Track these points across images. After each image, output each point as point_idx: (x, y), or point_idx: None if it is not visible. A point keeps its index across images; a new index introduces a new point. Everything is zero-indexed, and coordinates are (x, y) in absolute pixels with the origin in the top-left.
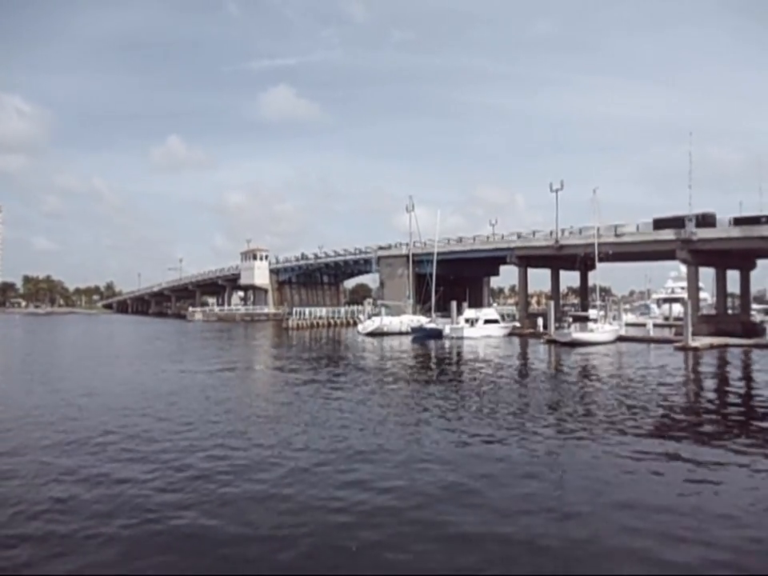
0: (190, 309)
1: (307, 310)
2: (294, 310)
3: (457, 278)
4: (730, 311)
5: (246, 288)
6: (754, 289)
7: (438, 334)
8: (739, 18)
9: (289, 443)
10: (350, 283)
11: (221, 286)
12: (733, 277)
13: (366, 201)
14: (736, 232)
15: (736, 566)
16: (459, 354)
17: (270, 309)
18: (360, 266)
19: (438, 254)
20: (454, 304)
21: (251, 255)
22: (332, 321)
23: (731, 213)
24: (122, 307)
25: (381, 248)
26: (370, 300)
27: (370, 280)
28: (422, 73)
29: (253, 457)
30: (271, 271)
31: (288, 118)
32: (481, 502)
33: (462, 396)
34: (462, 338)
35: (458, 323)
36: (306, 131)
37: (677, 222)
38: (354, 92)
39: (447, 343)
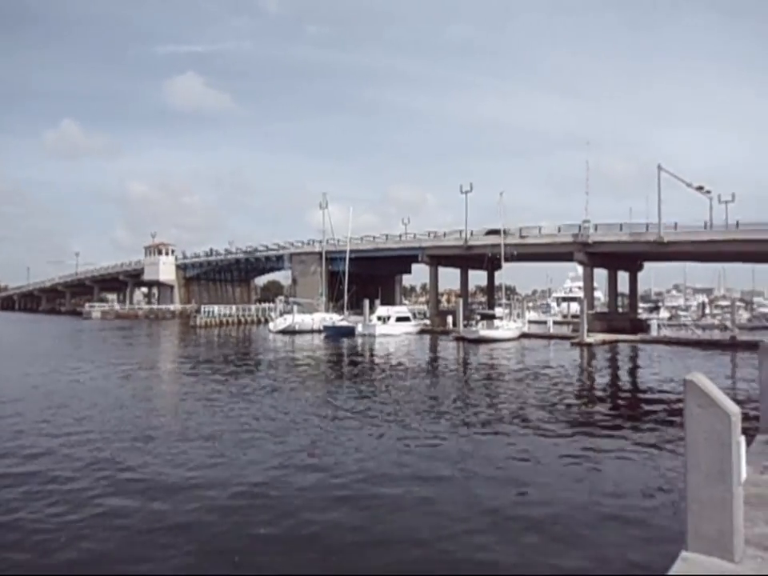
0: (87, 306)
1: (216, 307)
2: (202, 307)
3: (369, 276)
4: (620, 309)
5: (150, 284)
6: (641, 289)
7: (350, 332)
8: (632, 34)
9: (193, 449)
10: (261, 280)
11: (122, 281)
12: (623, 278)
13: (280, 196)
14: (626, 237)
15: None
16: (371, 351)
17: (176, 306)
18: (272, 262)
19: (351, 251)
20: (366, 302)
21: (156, 250)
22: (242, 318)
23: (623, 218)
24: (8, 304)
25: (294, 245)
26: (282, 297)
27: (283, 277)
28: (337, 69)
29: (149, 472)
30: (178, 267)
31: (197, 108)
32: (392, 496)
33: (374, 392)
34: (374, 335)
35: (370, 321)
36: (217, 122)
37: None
38: (267, 85)
39: (359, 341)
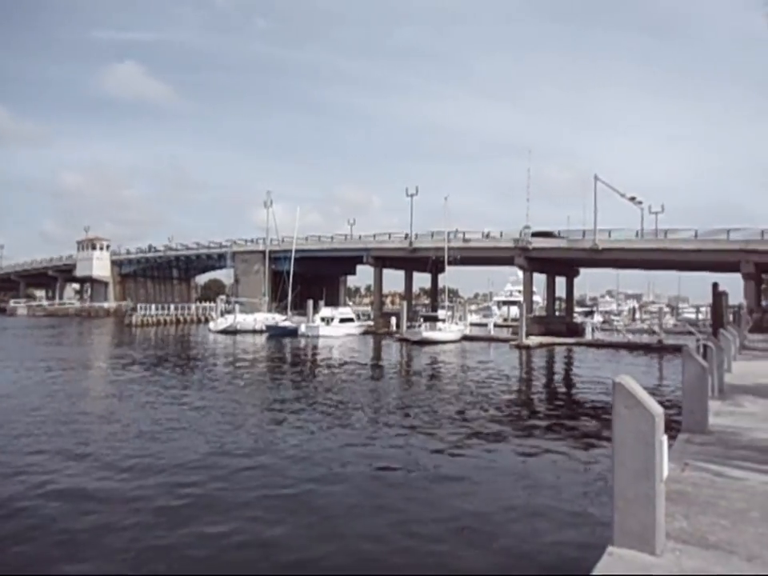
0: (12, 302)
1: (153, 305)
2: (139, 305)
3: (314, 276)
4: (557, 313)
5: (82, 280)
6: (577, 294)
7: (293, 332)
8: (571, 47)
9: (123, 455)
10: (202, 279)
11: (51, 277)
12: (561, 283)
13: (223, 193)
14: (564, 243)
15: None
16: (314, 352)
17: (110, 304)
18: (214, 260)
19: (296, 251)
20: (310, 302)
21: (90, 244)
22: (181, 318)
23: (561, 226)
24: None
25: (237, 243)
26: (224, 297)
27: (225, 276)
28: (284, 66)
29: (74, 476)
30: (113, 263)
31: (137, 99)
32: (332, 494)
33: (316, 394)
34: (317, 336)
35: (313, 322)
36: (158, 115)
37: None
38: (213, 78)
39: (302, 341)
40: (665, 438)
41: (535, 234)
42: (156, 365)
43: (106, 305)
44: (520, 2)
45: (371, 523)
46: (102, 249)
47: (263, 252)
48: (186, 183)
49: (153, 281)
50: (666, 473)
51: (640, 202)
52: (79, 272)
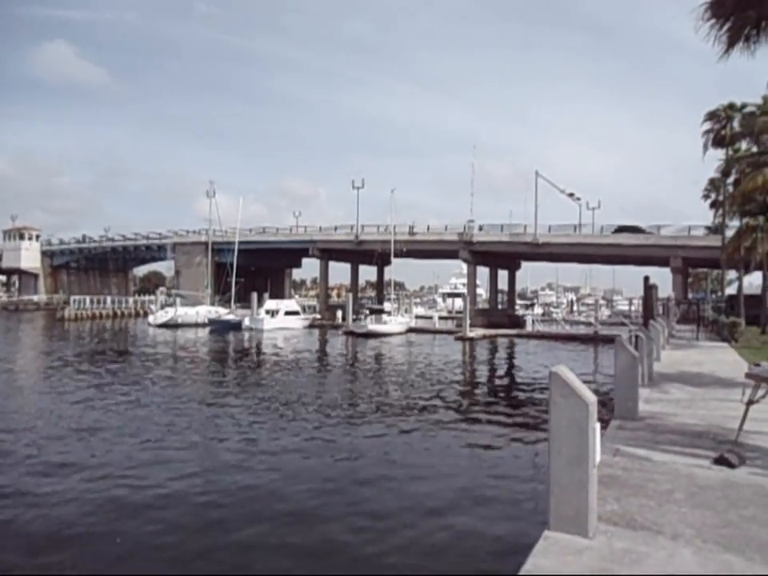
0: None
1: (88, 298)
2: (72, 298)
3: (258, 268)
4: (500, 306)
5: (9, 272)
6: (518, 287)
7: (236, 326)
8: (514, 46)
9: (50, 455)
10: (141, 270)
11: None
12: (503, 276)
13: (163, 182)
14: (506, 237)
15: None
16: (259, 345)
17: (40, 297)
18: (153, 252)
19: (240, 243)
20: (254, 295)
21: (17, 234)
22: (119, 311)
23: (504, 220)
24: None
25: (178, 234)
26: (164, 289)
27: (165, 268)
28: (229, 53)
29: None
30: (44, 254)
31: (69, 81)
32: (285, 487)
33: (260, 388)
34: (261, 329)
35: (258, 315)
36: (92, 98)
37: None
38: (151, 62)
39: (246, 335)
40: (598, 425)
41: (620, 229)
42: (90, 361)
43: (35, 298)
44: (467, 1)
45: (321, 504)
46: (30, 239)
47: (206, 243)
48: (123, 171)
49: (87, 273)
50: (598, 458)
51: (578, 198)
52: (5, 263)
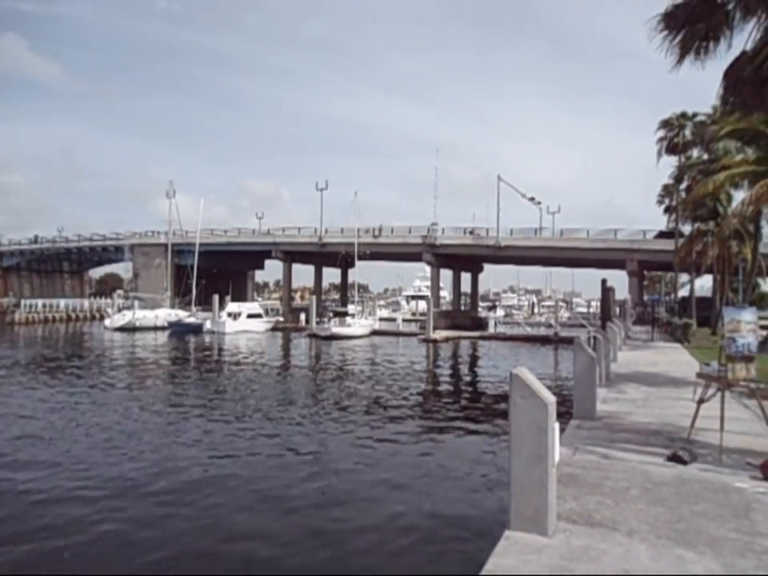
0: None
1: (40, 301)
2: (23, 301)
3: (220, 270)
4: (463, 308)
5: None
6: (481, 289)
7: (197, 329)
8: (478, 52)
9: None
10: (97, 272)
11: None
12: (466, 278)
13: (121, 182)
14: (469, 240)
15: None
16: (220, 349)
17: None
18: (110, 253)
19: (201, 244)
20: (216, 298)
21: None
22: (73, 314)
23: (467, 223)
24: None
25: (136, 235)
26: (121, 292)
27: (123, 270)
28: (190, 50)
29: None
30: None
31: (18, 76)
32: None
33: (222, 392)
34: (223, 332)
35: (219, 317)
36: (44, 94)
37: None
38: (107, 58)
39: (208, 338)
40: (557, 425)
41: (659, 236)
42: (40, 366)
43: None
44: (431, 4)
45: (286, 505)
46: None
47: (165, 245)
48: (78, 170)
49: (40, 275)
50: (557, 458)
51: (539, 203)
52: None
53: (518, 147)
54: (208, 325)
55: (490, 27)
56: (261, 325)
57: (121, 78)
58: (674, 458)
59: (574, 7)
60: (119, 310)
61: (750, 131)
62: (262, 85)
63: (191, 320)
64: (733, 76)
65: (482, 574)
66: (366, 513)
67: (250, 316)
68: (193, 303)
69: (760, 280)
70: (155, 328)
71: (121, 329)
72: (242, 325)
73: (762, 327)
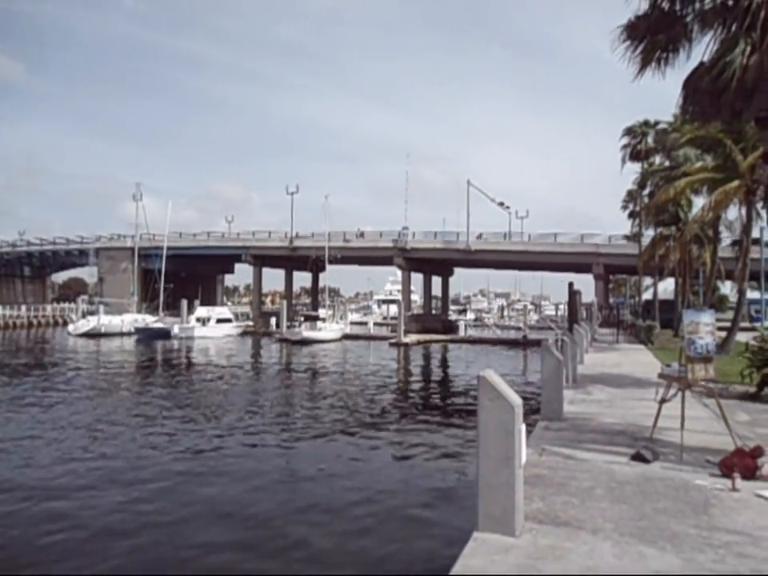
0: None
1: None
2: None
3: (189, 275)
4: (434, 311)
5: None
6: (451, 293)
7: (165, 334)
8: (447, 58)
9: None
10: (60, 277)
11: None
12: (437, 282)
13: (87, 184)
14: (439, 244)
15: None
16: (189, 354)
17: None
18: (74, 257)
19: (169, 248)
20: (184, 302)
21: None
22: (35, 320)
23: (437, 227)
24: None
25: (101, 238)
26: (86, 297)
27: (87, 274)
28: (158, 51)
29: None
30: None
31: None
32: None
33: (189, 398)
34: (192, 337)
35: (188, 322)
36: (8, 94)
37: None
38: (72, 59)
39: (176, 343)
40: (523, 426)
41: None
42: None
43: None
44: (398, 9)
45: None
46: None
47: (132, 249)
48: (41, 172)
49: (0, 279)
50: (524, 459)
51: (508, 207)
52: None
53: (487, 152)
54: (176, 330)
55: (458, 32)
56: (231, 329)
57: (86, 79)
58: (638, 458)
59: (541, 14)
60: (83, 316)
61: (709, 139)
62: (231, 88)
63: (159, 325)
64: (691, 86)
65: (451, 574)
66: (334, 518)
67: (219, 321)
68: (160, 308)
69: (719, 283)
70: (121, 334)
71: (85, 335)
72: (211, 330)
73: (721, 329)
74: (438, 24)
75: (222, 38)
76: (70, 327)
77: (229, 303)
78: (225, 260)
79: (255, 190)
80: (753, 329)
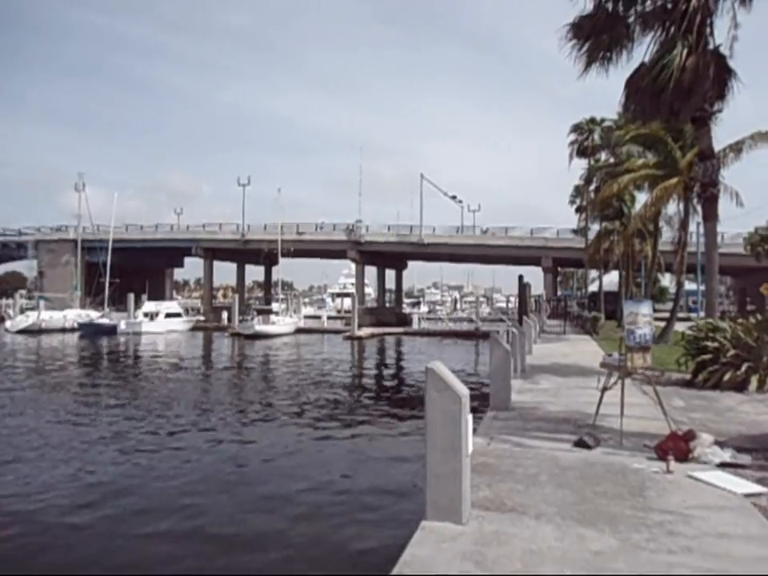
0: None
1: None
2: None
3: (136, 268)
4: (388, 304)
5: None
6: (405, 286)
7: (111, 330)
8: (401, 52)
9: None
10: None
11: None
12: (391, 275)
13: (24, 173)
14: (393, 237)
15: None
16: (136, 351)
17: None
18: (11, 250)
19: (115, 241)
20: (131, 297)
21: None
22: None
23: (391, 221)
24: None
25: (41, 231)
26: (24, 292)
27: (26, 268)
28: (99, 35)
29: None
30: None
31: None
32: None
33: (136, 396)
34: (139, 333)
35: (135, 317)
36: None
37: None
38: (10, 39)
39: (122, 339)
40: (470, 416)
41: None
42: None
43: None
44: (355, 2)
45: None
46: None
47: (74, 241)
48: None
49: None
50: (471, 448)
51: (460, 201)
52: None
53: (441, 146)
54: (123, 325)
55: (413, 27)
56: (180, 324)
57: (22, 61)
58: (580, 444)
59: (494, 11)
60: (22, 311)
61: (650, 137)
62: (180, 76)
63: (104, 321)
64: (633, 85)
65: (399, 566)
66: (283, 506)
67: (168, 315)
68: (105, 303)
69: (660, 275)
70: (64, 330)
71: (24, 331)
72: (159, 325)
73: (662, 319)
74: (392, 18)
75: (169, 24)
76: (8, 324)
77: (179, 297)
78: (174, 253)
79: (206, 181)
80: (689, 319)
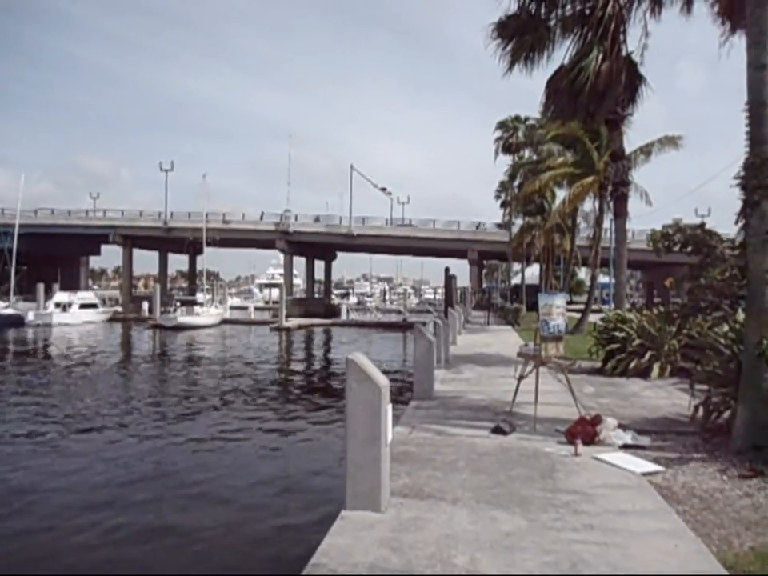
0: None
1: None
2: None
3: (47, 256)
4: (316, 295)
5: None
6: (335, 277)
7: (18, 321)
8: (333, 40)
9: None
10: None
11: None
12: (320, 266)
13: None
14: (322, 228)
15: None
16: (46, 344)
17: None
18: None
19: (22, 226)
20: (41, 286)
21: None
22: None
23: (320, 211)
24: None
25: None
26: None
27: None
28: (8, 6)
29: None
30: None
31: None
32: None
33: (46, 391)
34: (50, 324)
35: (46, 308)
36: None
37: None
38: None
39: (31, 332)
40: (389, 406)
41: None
42: None
43: None
44: None
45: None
46: None
47: None
48: None
49: None
50: (390, 438)
51: (390, 193)
52: None
53: (371, 138)
54: (31, 316)
55: (345, 18)
56: (96, 315)
57: None
58: (497, 430)
59: (425, 6)
60: None
61: (570, 137)
62: (98, 52)
63: (9, 311)
64: (553, 86)
65: (316, 558)
66: (205, 502)
67: (83, 306)
68: (11, 292)
69: (577, 269)
70: None
71: None
72: (72, 316)
73: (578, 311)
74: (324, 8)
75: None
76: None
77: (95, 287)
78: (89, 240)
79: (125, 165)
80: (602, 311)
